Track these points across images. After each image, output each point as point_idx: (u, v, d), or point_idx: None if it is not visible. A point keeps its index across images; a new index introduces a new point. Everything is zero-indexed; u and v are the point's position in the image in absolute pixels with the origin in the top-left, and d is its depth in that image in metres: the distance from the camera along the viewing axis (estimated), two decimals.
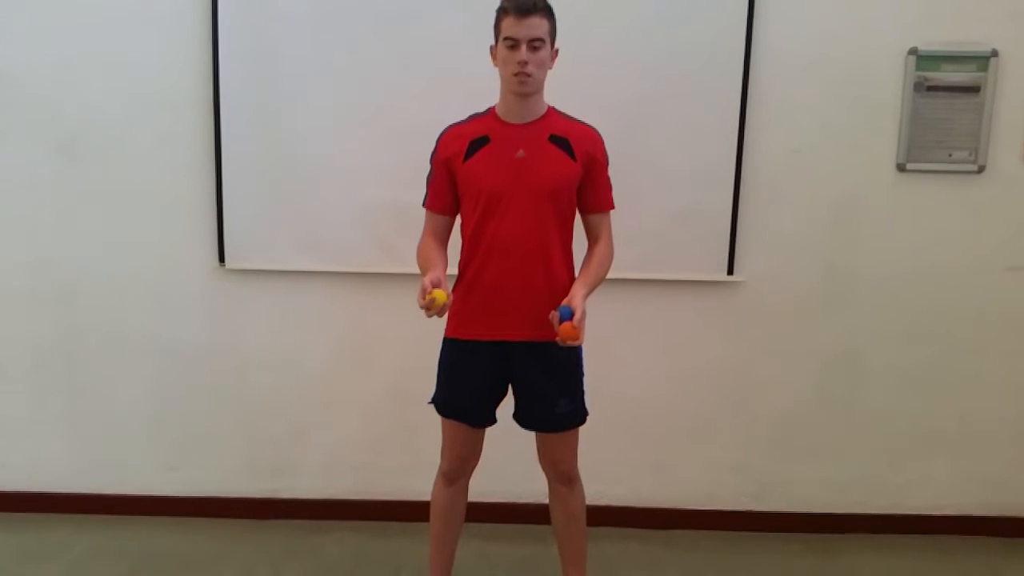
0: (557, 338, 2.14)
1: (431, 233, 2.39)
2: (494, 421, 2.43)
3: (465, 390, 2.38)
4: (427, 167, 2.38)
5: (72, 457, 3.26)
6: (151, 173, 3.09)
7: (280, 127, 3.02)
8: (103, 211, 3.11)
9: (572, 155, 2.29)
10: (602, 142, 2.36)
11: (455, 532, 2.54)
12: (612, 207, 2.40)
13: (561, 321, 2.13)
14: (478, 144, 2.29)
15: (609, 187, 2.39)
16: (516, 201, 2.26)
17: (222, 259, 3.11)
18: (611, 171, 2.40)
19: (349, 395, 3.21)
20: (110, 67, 3.04)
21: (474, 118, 2.36)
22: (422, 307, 2.09)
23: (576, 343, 2.14)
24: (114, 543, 3.06)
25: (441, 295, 2.09)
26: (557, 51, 2.29)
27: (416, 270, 2.93)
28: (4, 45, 3.03)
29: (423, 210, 2.41)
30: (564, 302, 2.18)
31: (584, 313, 2.16)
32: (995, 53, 2.96)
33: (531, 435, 2.42)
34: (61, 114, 3.06)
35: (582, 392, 2.40)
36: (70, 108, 3.06)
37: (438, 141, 2.35)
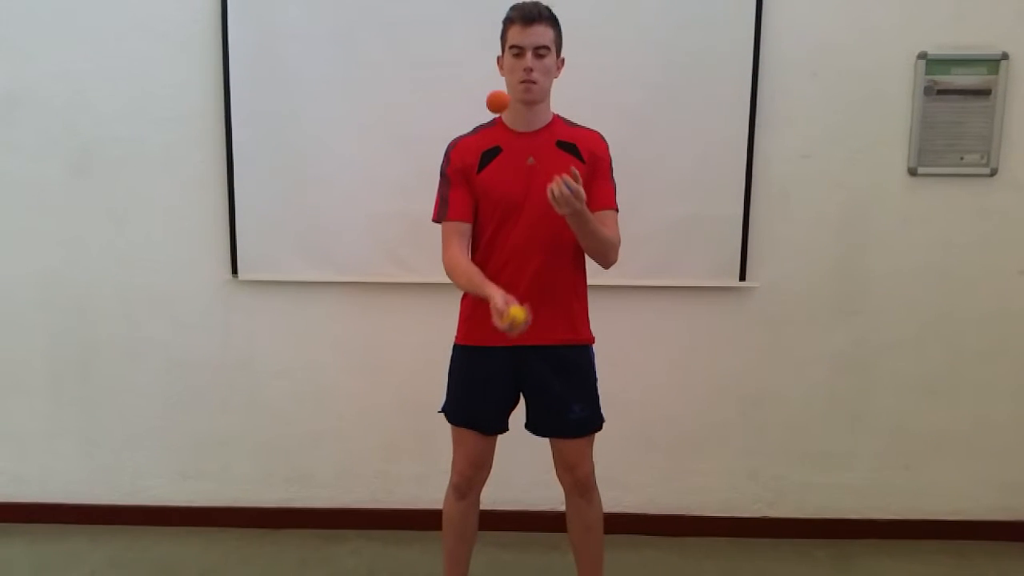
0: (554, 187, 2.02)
1: (457, 246, 2.33)
2: (506, 429, 2.43)
3: (477, 397, 2.38)
4: (436, 177, 2.38)
5: (87, 468, 3.28)
6: (163, 186, 3.11)
7: (290, 139, 3.04)
8: (116, 224, 3.14)
9: (580, 157, 2.30)
10: (606, 145, 2.37)
11: (469, 545, 2.54)
12: (614, 206, 2.35)
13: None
14: (490, 155, 2.30)
15: (612, 187, 2.36)
16: (529, 208, 2.27)
17: (235, 271, 3.13)
18: (622, 178, 2.40)
19: (362, 404, 3.22)
20: (122, 82, 3.06)
21: (481, 129, 2.37)
22: (503, 328, 2.03)
23: (574, 189, 2.02)
24: (129, 554, 3.08)
25: (520, 312, 2.03)
26: (563, 60, 2.31)
27: (428, 279, 2.99)
28: (17, 62, 3.06)
29: (432, 221, 2.39)
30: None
31: (579, 192, 2.03)
32: (1005, 56, 2.95)
33: (544, 441, 2.42)
34: (74, 129, 3.09)
35: (597, 397, 2.40)
36: (82, 123, 3.09)
37: (450, 153, 2.35)
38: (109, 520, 3.26)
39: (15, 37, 3.05)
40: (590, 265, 2.38)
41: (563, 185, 2.01)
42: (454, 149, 2.35)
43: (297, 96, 3.02)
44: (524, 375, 2.36)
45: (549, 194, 2.03)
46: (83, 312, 3.19)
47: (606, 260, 2.31)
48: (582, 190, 2.04)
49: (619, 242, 2.32)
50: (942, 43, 2.97)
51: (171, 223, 3.14)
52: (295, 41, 3.00)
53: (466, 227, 2.34)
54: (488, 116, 2.36)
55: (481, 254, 2.34)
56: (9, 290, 3.18)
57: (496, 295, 2.07)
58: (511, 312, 2.02)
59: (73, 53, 3.05)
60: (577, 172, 2.05)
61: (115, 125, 3.08)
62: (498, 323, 2.03)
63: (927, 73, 2.97)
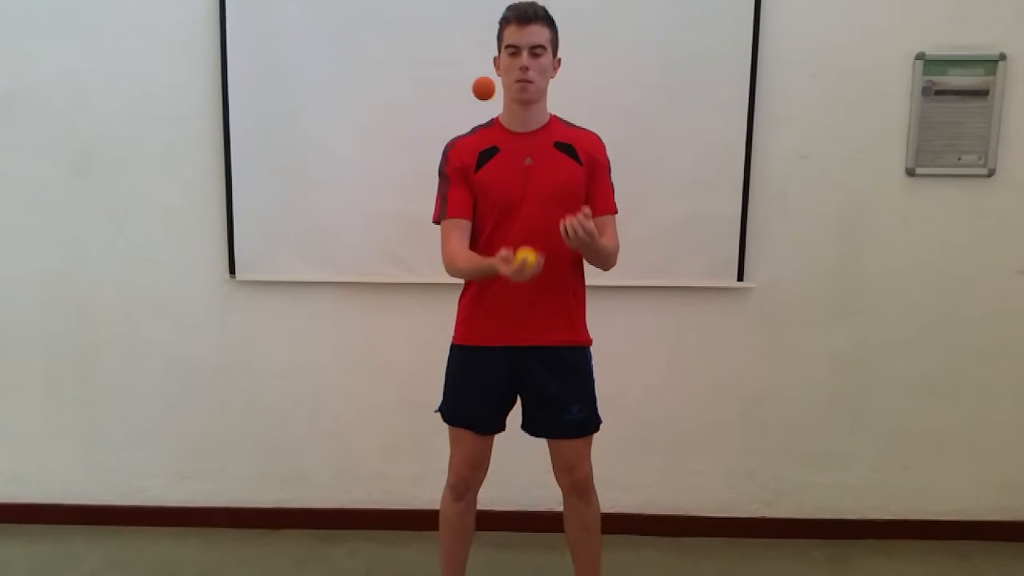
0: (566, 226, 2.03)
1: (458, 240, 2.29)
2: (503, 429, 2.42)
3: (473, 397, 2.38)
4: (435, 177, 2.38)
5: (85, 468, 3.28)
6: (162, 187, 3.12)
7: (289, 139, 3.04)
8: (115, 224, 3.14)
9: (577, 159, 2.31)
10: (604, 147, 2.38)
11: (466, 546, 2.53)
12: (615, 210, 2.39)
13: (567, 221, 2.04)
14: (487, 155, 2.30)
15: (611, 190, 2.39)
16: (527, 208, 2.27)
17: (232, 271, 3.13)
18: (621, 178, 2.41)
19: (359, 405, 3.22)
20: (121, 83, 3.07)
21: (479, 130, 2.37)
22: (513, 273, 1.97)
23: (586, 228, 2.03)
24: (127, 554, 3.08)
25: (530, 252, 1.96)
26: (559, 61, 2.32)
27: (426, 279, 3.00)
28: (17, 62, 3.06)
29: (432, 220, 2.38)
30: None
31: (592, 230, 2.05)
32: (1003, 56, 2.95)
33: (542, 442, 2.41)
34: (74, 129, 3.09)
35: (594, 398, 2.40)
36: (82, 123, 3.09)
37: (448, 153, 2.35)
38: (107, 520, 3.26)
39: (14, 37, 3.05)
40: (588, 266, 2.38)
41: (578, 227, 2.02)
42: (452, 149, 2.35)
43: (296, 96, 3.02)
44: (521, 376, 2.35)
45: (562, 231, 2.04)
46: (82, 312, 3.19)
47: (606, 267, 2.34)
48: (594, 227, 2.05)
49: (618, 248, 2.35)
50: (940, 44, 2.97)
51: (170, 223, 3.14)
52: (294, 41, 3.00)
53: (466, 224, 2.32)
54: (486, 117, 2.37)
55: (478, 254, 2.33)
56: (8, 290, 3.19)
57: (500, 252, 2.02)
58: (519, 254, 1.97)
59: (72, 53, 3.05)
60: (589, 211, 2.06)
61: (114, 125, 3.09)
62: (506, 270, 1.98)
63: (925, 74, 2.97)
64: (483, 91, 2.22)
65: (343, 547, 3.13)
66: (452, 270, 2.30)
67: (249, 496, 3.27)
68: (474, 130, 2.38)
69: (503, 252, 1.99)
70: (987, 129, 2.99)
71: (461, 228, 2.32)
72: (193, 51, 3.04)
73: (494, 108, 2.35)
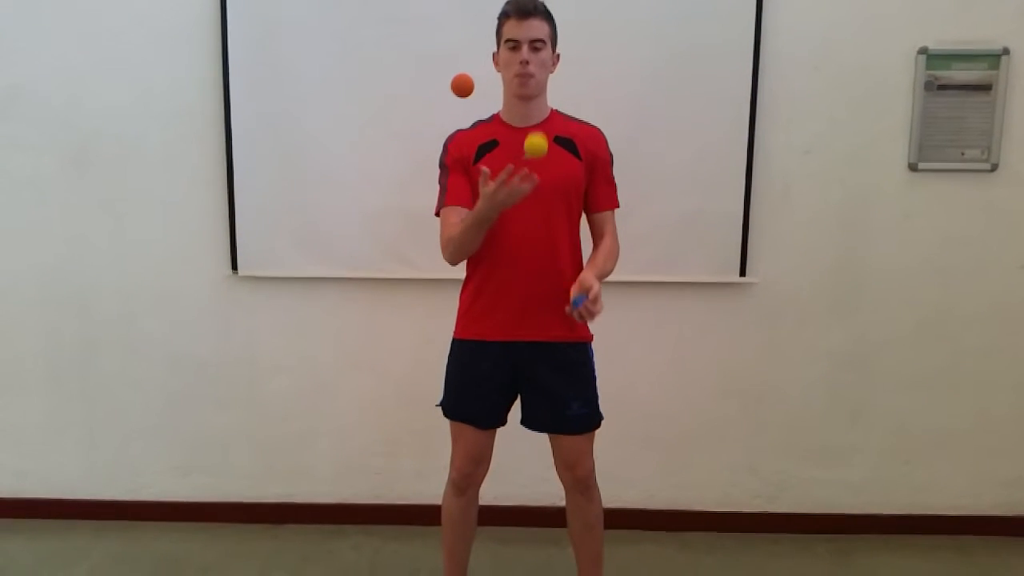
0: (573, 311, 2.09)
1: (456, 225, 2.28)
2: (503, 423, 2.43)
3: (473, 391, 2.38)
4: (436, 172, 2.38)
5: (88, 464, 3.29)
6: (163, 182, 3.11)
7: (290, 135, 3.04)
8: (116, 220, 3.14)
9: (578, 155, 2.31)
10: (606, 141, 2.38)
11: (468, 541, 2.54)
12: (617, 206, 2.40)
13: (577, 307, 2.09)
14: (487, 148, 2.30)
15: (613, 186, 2.39)
16: (526, 203, 2.24)
17: (234, 266, 3.13)
18: (623, 173, 2.41)
19: (361, 399, 3.22)
20: (122, 78, 3.06)
21: (479, 124, 2.38)
22: (514, 179, 2.01)
23: (593, 313, 2.09)
24: (131, 549, 3.09)
25: (539, 137, 1.99)
26: (559, 56, 2.32)
27: (428, 275, 3.00)
28: (18, 58, 3.06)
29: (434, 216, 2.37)
30: (575, 288, 2.10)
31: (599, 293, 2.10)
32: (1006, 51, 2.94)
33: (543, 437, 2.42)
34: (74, 125, 3.09)
35: (595, 395, 2.40)
36: (83, 119, 3.08)
37: (448, 145, 2.36)
38: (110, 516, 3.27)
39: (14, 34, 3.05)
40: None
41: (586, 315, 2.08)
42: (452, 141, 2.36)
43: (296, 92, 3.01)
44: (522, 371, 2.35)
45: (568, 312, 2.09)
46: (83, 308, 3.19)
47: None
48: (601, 305, 2.09)
49: (619, 248, 2.36)
50: (943, 38, 2.96)
51: (171, 219, 3.14)
52: (294, 36, 2.99)
53: (465, 212, 2.29)
54: (487, 113, 2.37)
55: (477, 250, 2.33)
56: (10, 286, 3.19)
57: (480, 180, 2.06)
58: (527, 144, 1.99)
59: (73, 50, 3.05)
60: (597, 288, 2.08)
61: (115, 121, 3.08)
62: (490, 188, 2.02)
63: (928, 68, 2.97)
64: (461, 88, 2.17)
65: (346, 542, 3.14)
66: (449, 244, 2.26)
67: (252, 491, 3.28)
68: (475, 124, 2.38)
69: (481, 179, 2.02)
70: (990, 124, 2.98)
71: (460, 215, 2.29)
72: (194, 47, 3.03)
73: (495, 104, 2.35)
